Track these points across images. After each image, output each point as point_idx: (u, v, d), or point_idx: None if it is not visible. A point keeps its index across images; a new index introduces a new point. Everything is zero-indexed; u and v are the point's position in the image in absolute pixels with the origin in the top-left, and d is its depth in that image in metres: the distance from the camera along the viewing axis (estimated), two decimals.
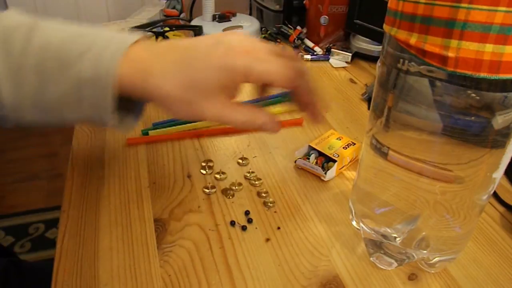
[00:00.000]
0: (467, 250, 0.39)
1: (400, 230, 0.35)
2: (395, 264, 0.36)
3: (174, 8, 0.92)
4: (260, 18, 0.96)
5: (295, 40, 0.82)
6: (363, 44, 0.77)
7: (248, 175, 0.47)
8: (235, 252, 0.38)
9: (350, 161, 0.49)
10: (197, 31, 0.81)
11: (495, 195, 0.45)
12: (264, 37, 0.87)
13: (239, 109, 0.35)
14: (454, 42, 0.25)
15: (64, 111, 0.35)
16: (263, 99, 0.61)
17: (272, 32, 0.88)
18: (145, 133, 0.54)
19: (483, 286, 0.36)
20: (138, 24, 0.81)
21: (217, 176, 0.47)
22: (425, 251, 0.35)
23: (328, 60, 0.78)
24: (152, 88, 0.34)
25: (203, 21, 0.90)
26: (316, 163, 0.47)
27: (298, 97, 0.38)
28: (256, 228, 0.41)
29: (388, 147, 0.32)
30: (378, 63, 0.32)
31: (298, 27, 0.84)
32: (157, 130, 0.54)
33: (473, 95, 0.26)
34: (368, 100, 0.63)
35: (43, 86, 0.33)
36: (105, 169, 0.48)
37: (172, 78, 0.33)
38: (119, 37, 0.35)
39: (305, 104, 0.38)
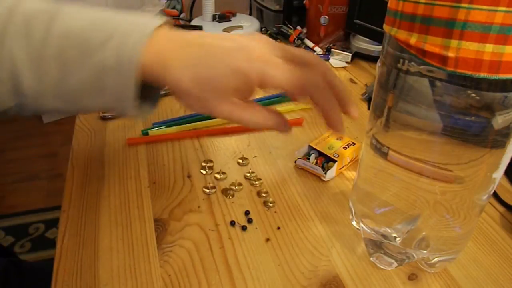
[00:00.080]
0: (467, 250, 0.39)
1: (400, 230, 0.35)
2: (395, 264, 0.36)
3: (174, 8, 0.92)
4: (260, 18, 0.96)
5: (295, 40, 0.82)
6: (363, 44, 0.77)
7: (248, 175, 0.47)
8: (235, 252, 0.38)
9: (350, 161, 0.49)
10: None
11: (495, 195, 0.45)
12: None
13: (250, 110, 0.35)
14: (454, 42, 0.25)
15: (85, 99, 0.35)
16: (263, 99, 0.61)
17: (272, 32, 0.88)
18: (145, 133, 0.54)
19: (483, 286, 0.36)
20: None
21: (217, 176, 0.47)
22: (425, 251, 0.35)
23: (328, 60, 0.78)
24: (171, 80, 0.34)
25: (203, 21, 0.90)
26: (316, 163, 0.47)
27: (316, 105, 0.36)
28: (256, 228, 0.41)
29: (388, 147, 0.32)
30: (378, 63, 0.32)
31: (298, 27, 0.84)
32: (157, 130, 0.54)
33: (473, 95, 0.26)
34: (368, 100, 0.63)
35: (65, 75, 0.33)
36: (105, 169, 0.48)
37: (190, 73, 0.33)
38: (142, 23, 0.34)
39: (324, 112, 0.36)
